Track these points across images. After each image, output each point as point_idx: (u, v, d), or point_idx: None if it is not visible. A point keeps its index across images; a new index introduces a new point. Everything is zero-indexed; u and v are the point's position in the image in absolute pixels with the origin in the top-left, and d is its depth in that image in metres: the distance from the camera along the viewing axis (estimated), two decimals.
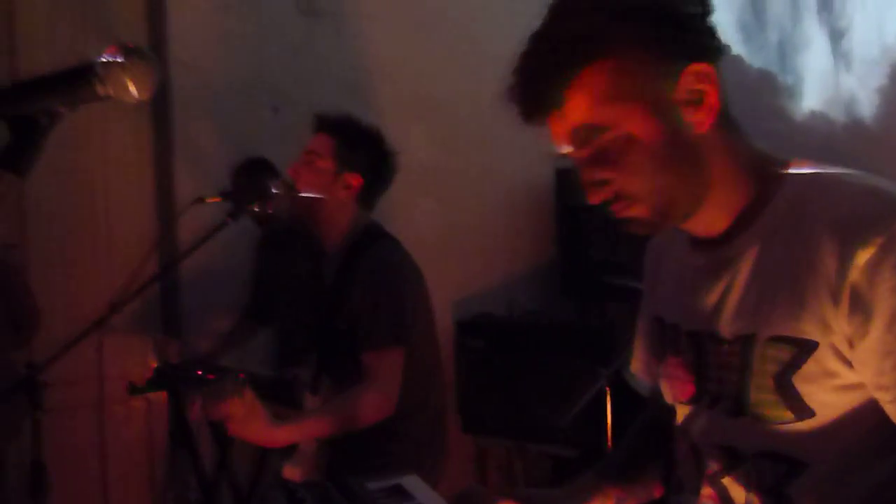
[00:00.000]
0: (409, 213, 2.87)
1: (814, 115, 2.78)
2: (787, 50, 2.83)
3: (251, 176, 2.47)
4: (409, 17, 3.21)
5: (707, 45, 0.84)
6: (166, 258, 2.78)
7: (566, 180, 3.20)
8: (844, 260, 0.76)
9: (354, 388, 1.64)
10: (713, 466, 0.91)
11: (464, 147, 3.36)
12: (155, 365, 2.74)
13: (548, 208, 3.33)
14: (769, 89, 2.87)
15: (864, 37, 2.61)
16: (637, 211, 0.86)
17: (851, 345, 0.78)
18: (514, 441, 2.96)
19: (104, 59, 0.65)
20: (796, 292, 0.80)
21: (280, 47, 3.01)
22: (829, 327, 0.78)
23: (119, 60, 0.65)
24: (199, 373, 2.33)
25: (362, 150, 1.75)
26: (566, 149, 0.86)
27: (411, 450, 1.71)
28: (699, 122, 0.83)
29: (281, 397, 2.02)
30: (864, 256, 0.75)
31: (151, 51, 0.68)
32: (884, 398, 0.78)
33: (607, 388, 2.37)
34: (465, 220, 3.35)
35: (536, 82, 0.83)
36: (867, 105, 2.60)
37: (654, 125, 0.82)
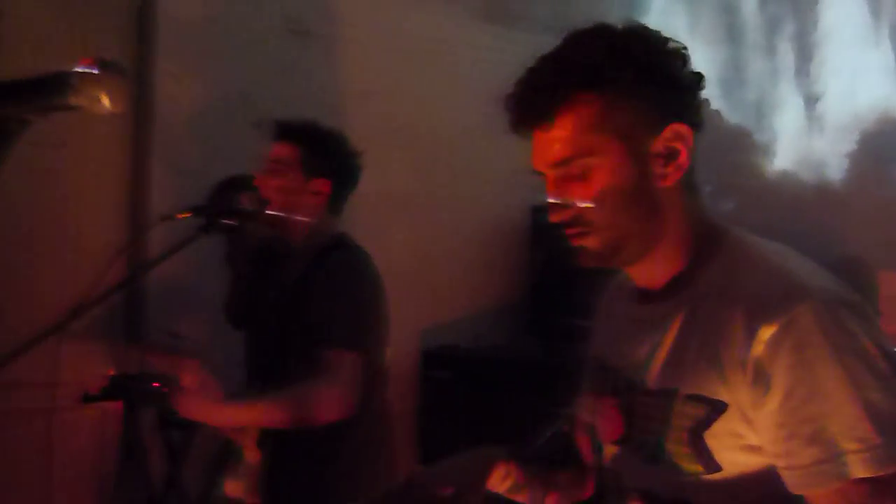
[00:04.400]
0: (382, 238, 2.86)
1: (785, 174, 2.86)
2: (763, 109, 2.91)
3: (227, 193, 2.45)
4: (399, 47, 3.25)
5: (694, 111, 0.93)
6: (134, 268, 2.74)
7: (542, 217, 3.22)
8: (751, 334, 0.84)
9: (311, 380, 1.56)
10: None
11: (442, 178, 3.37)
12: (111, 374, 2.70)
13: (522, 244, 3.35)
14: (744, 146, 2.95)
15: (837, 103, 2.71)
16: (589, 241, 0.92)
17: (753, 410, 0.85)
18: None
19: (79, 70, 0.66)
20: (713, 357, 0.87)
21: (267, 64, 3.03)
22: (737, 392, 0.86)
23: (94, 72, 0.65)
24: (156, 385, 2.29)
25: (328, 156, 1.75)
26: (543, 166, 0.92)
27: (347, 474, 1.66)
28: (666, 176, 0.90)
29: None
30: (766, 333, 0.83)
31: (123, 66, 0.68)
32: (778, 464, 0.85)
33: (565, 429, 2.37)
34: (438, 250, 3.36)
35: (533, 93, 0.89)
36: (836, 169, 2.68)
37: (628, 166, 0.89)
